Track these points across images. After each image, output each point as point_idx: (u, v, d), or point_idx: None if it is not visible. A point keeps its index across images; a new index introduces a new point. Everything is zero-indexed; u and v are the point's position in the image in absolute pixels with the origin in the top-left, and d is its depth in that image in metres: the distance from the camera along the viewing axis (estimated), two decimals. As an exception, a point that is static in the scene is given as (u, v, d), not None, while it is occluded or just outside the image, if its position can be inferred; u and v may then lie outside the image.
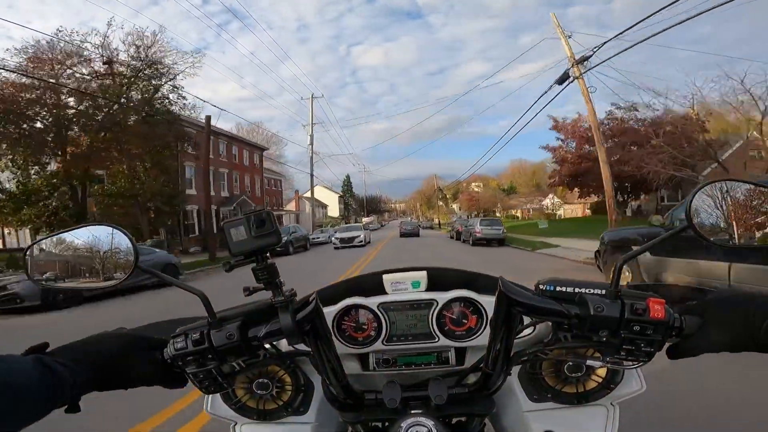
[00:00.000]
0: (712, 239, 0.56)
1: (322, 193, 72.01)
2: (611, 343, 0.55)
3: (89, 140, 18.36)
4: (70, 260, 0.59)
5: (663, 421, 2.50)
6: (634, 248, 5.32)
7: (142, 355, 0.59)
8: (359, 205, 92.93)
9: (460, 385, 0.73)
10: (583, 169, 29.34)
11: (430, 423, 0.63)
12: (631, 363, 0.56)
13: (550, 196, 59.43)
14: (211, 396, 0.82)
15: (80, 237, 0.59)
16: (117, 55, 19.54)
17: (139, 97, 19.93)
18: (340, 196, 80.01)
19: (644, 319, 0.52)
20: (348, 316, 0.89)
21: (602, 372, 0.75)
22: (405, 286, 0.92)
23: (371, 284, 0.94)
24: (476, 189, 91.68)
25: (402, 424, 0.63)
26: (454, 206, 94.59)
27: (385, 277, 0.93)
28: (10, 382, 0.45)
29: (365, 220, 70.31)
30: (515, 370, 0.78)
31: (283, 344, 0.70)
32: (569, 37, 13.61)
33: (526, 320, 0.65)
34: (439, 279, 0.93)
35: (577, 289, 0.56)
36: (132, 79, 19.70)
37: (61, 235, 0.60)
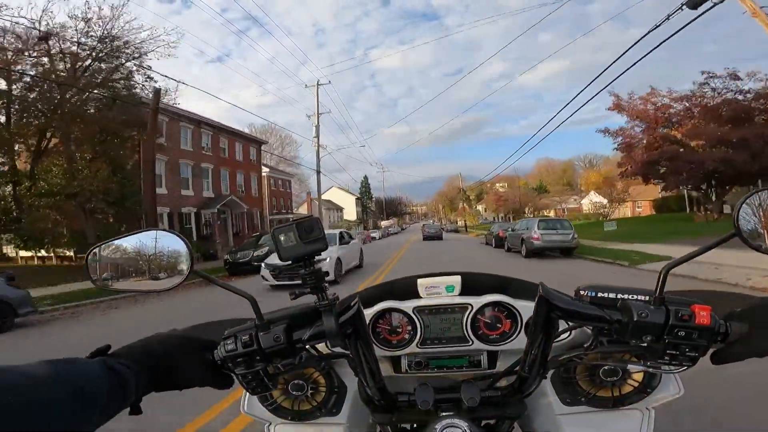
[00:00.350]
0: (757, 246, 0.56)
1: (337, 195, 69.56)
2: (654, 348, 0.55)
3: (15, 128, 15.40)
4: (130, 263, 0.63)
5: (697, 426, 2.43)
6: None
7: (195, 356, 0.60)
8: (378, 207, 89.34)
9: (493, 388, 0.75)
10: (667, 153, 23.06)
11: (464, 424, 0.63)
12: (674, 367, 0.56)
13: (592, 193, 52.13)
14: (247, 396, 0.85)
15: (140, 241, 0.63)
16: (60, 31, 16.00)
17: (97, 78, 16.80)
18: (358, 198, 76.29)
19: (690, 324, 0.53)
20: (383, 319, 0.91)
21: (639, 376, 0.76)
22: (439, 291, 0.93)
23: (406, 288, 0.95)
24: (501, 189, 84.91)
25: (436, 426, 0.64)
26: (479, 207, 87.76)
27: (419, 281, 0.94)
28: (82, 385, 0.46)
29: (384, 223, 69.78)
30: (549, 374, 0.77)
31: (322, 346, 0.72)
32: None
33: (563, 326, 0.66)
34: (473, 283, 0.94)
35: (619, 295, 0.56)
36: (79, 57, 16.50)
37: (122, 239, 0.63)
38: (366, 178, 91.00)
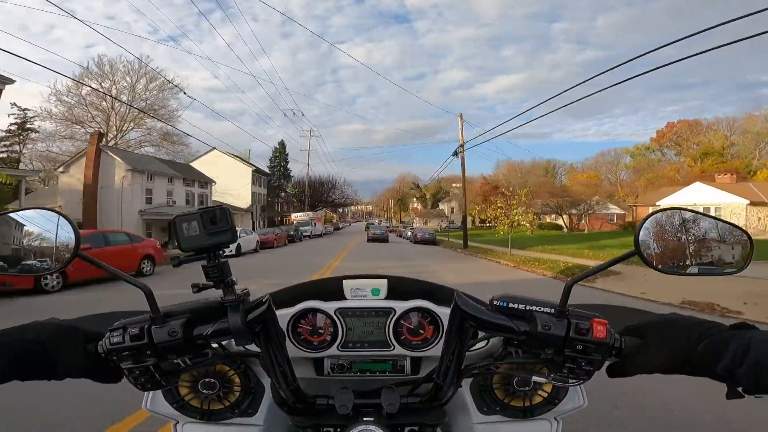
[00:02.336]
0: (657, 266, 0.60)
1: (220, 164, 41.39)
2: (555, 360, 0.59)
3: None
4: (9, 242, 0.59)
5: None
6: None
7: (73, 346, 0.58)
8: (300, 190, 61.91)
9: (413, 394, 0.77)
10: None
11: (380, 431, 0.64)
12: (573, 380, 0.59)
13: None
14: (150, 393, 0.81)
15: (23, 219, 0.59)
16: None
17: None
18: (257, 172, 46.76)
19: (587, 338, 0.56)
20: (304, 319, 0.91)
21: (548, 387, 0.80)
22: (365, 293, 0.94)
23: (331, 289, 0.95)
24: (457, 190, 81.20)
25: (352, 431, 0.64)
26: (443, 207, 79.70)
27: (345, 282, 0.95)
28: None
29: (300, 217, 45.54)
30: (467, 382, 0.82)
31: (233, 344, 0.70)
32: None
33: (481, 334, 0.68)
34: (399, 288, 0.96)
35: (528, 307, 0.59)
36: None
37: (4, 215, 0.59)
38: (283, 143, 62.83)
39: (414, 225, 54.51)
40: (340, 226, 75.65)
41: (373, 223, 51.86)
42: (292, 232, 32.85)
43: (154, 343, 0.56)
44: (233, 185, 40.71)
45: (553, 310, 0.58)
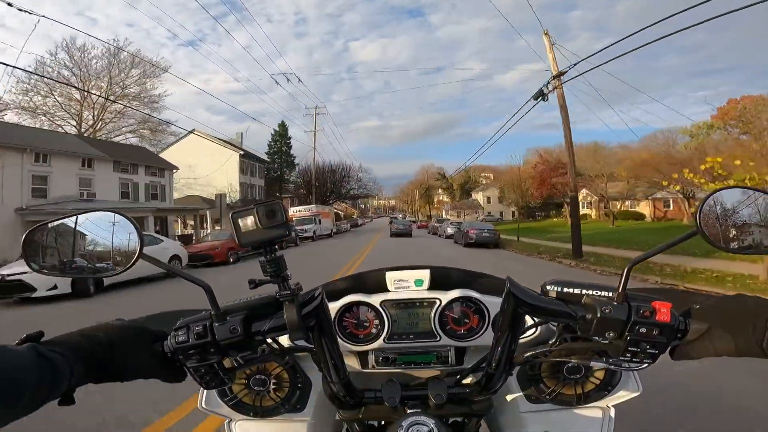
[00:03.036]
0: (720, 245, 0.59)
1: (198, 151, 34.33)
2: (616, 345, 0.58)
3: None
4: (72, 247, 0.61)
5: (658, 423, 2.62)
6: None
7: (141, 346, 0.59)
8: (306, 180, 50.18)
9: (460, 384, 0.76)
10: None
11: (431, 422, 0.65)
12: (635, 365, 0.59)
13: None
14: (205, 391, 0.84)
15: (83, 223, 0.61)
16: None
17: None
18: (245, 156, 38.59)
19: (650, 321, 0.55)
20: (349, 312, 0.92)
21: (600, 374, 0.80)
22: (408, 284, 0.95)
23: (374, 281, 0.97)
24: (486, 181, 69.31)
25: (403, 423, 0.65)
26: (479, 197, 66.72)
27: (388, 274, 0.96)
28: (8, 372, 0.45)
29: (299, 212, 33.54)
30: (515, 371, 0.81)
31: (285, 339, 0.71)
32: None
33: (529, 322, 0.69)
34: (442, 278, 0.96)
35: (585, 291, 0.58)
36: None
37: (63, 220, 0.61)
38: (283, 124, 51.43)
39: (447, 219, 41.73)
40: (360, 222, 68.70)
41: (397, 218, 49.92)
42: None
43: (216, 340, 0.57)
44: (218, 174, 33.26)
45: (611, 294, 0.57)
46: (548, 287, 0.60)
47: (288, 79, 41.72)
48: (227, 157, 35.42)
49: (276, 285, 0.59)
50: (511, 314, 0.61)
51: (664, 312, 0.55)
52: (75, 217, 0.60)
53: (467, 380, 0.78)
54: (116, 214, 0.60)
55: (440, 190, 77.51)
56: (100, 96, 31.37)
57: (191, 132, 34.92)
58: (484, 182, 71.87)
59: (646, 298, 0.57)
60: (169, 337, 0.59)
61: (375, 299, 0.91)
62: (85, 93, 30.97)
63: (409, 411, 0.71)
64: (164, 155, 32.49)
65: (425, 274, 0.95)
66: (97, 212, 0.61)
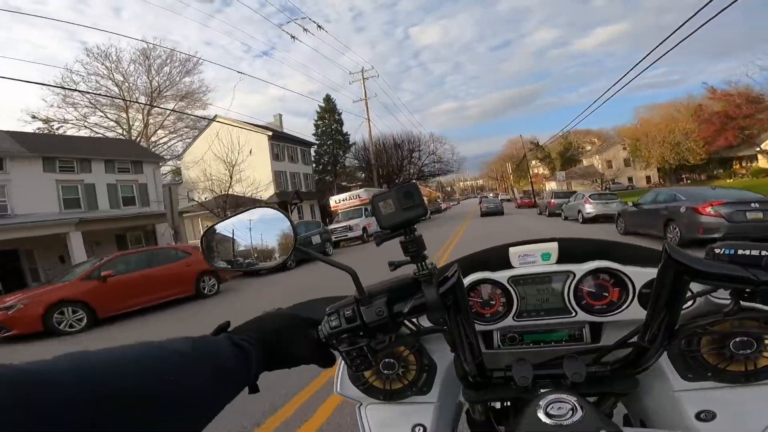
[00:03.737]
0: None
1: (223, 140, 21.71)
2: None
3: None
4: (239, 242, 0.68)
5: None
6: None
7: (301, 334, 0.63)
8: (365, 161, 42.27)
9: (599, 363, 0.73)
10: None
11: (572, 399, 0.61)
12: None
13: None
14: (340, 376, 0.89)
15: (247, 220, 0.68)
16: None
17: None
18: (275, 138, 31.07)
19: None
20: (474, 291, 0.91)
21: None
22: (534, 259, 0.90)
23: (497, 258, 0.93)
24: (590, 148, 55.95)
25: (540, 402, 0.61)
26: (595, 162, 52.56)
27: (511, 250, 0.92)
28: (220, 360, 0.49)
29: (342, 202, 25.73)
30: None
31: (420, 321, 0.73)
32: None
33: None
34: (571, 250, 0.90)
35: (763, 252, 0.52)
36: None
37: (230, 219, 0.69)
38: (329, 100, 42.39)
39: (574, 192, 23.35)
40: (444, 206, 58.63)
41: (487, 197, 45.81)
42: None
43: (365, 323, 0.59)
44: (250, 165, 24.52)
45: None
46: (717, 250, 0.55)
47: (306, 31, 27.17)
48: (256, 141, 27.48)
49: (414, 266, 0.60)
50: (671, 282, 0.56)
51: None
52: (240, 214, 0.68)
53: (606, 358, 0.74)
54: (275, 210, 0.67)
55: (535, 162, 65.62)
56: (145, 104, 30.95)
57: (213, 119, 27.58)
58: (589, 148, 58.36)
59: None
60: (322, 323, 0.62)
61: (502, 275, 0.89)
62: (132, 102, 30.56)
63: (542, 390, 0.67)
64: (189, 153, 28.75)
65: (553, 247, 0.90)
66: (258, 209, 0.67)
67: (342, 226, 19.69)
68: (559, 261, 0.89)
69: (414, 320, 0.70)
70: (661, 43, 10.93)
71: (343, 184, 39.84)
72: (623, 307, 0.83)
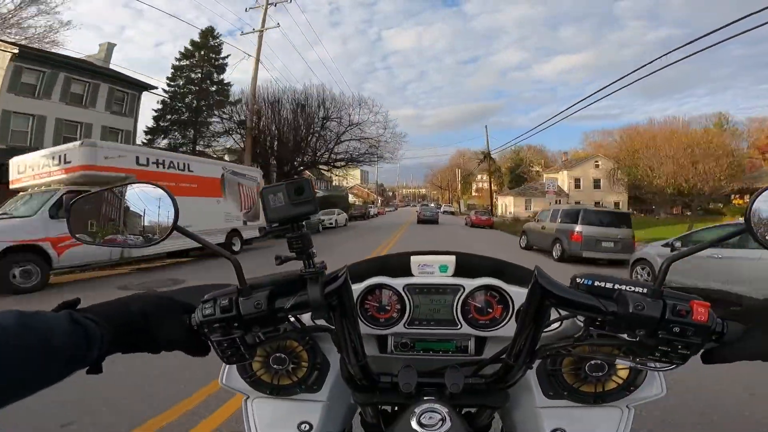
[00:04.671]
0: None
1: None
2: (646, 343, 0.58)
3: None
4: (111, 217, 0.64)
5: (675, 426, 2.53)
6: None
7: (171, 318, 0.61)
8: (239, 123, 27.35)
9: (477, 375, 0.77)
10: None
11: (444, 410, 0.66)
12: (663, 365, 0.58)
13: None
14: (227, 368, 0.88)
15: (123, 194, 0.64)
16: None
17: None
18: (21, 55, 16.88)
19: (686, 321, 0.54)
20: (372, 295, 0.93)
21: (624, 373, 0.79)
22: (432, 270, 0.95)
23: (398, 265, 0.96)
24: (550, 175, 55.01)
25: (416, 410, 0.66)
26: (560, 178, 44.26)
27: (413, 258, 0.96)
28: (49, 336, 0.47)
29: (23, 172, 9.45)
30: (534, 364, 0.81)
31: (306, 319, 0.73)
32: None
33: (554, 315, 0.69)
34: (467, 265, 0.95)
35: (617, 286, 0.58)
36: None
37: (103, 191, 0.64)
38: (210, 33, 28.03)
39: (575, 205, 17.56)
40: (374, 212, 49.75)
41: (427, 205, 47.27)
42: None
43: (241, 315, 0.59)
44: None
45: (646, 290, 0.56)
46: (579, 280, 0.59)
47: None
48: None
49: (301, 262, 0.60)
50: (536, 305, 0.60)
51: (701, 312, 0.54)
52: (116, 187, 0.63)
53: (485, 371, 0.78)
54: (156, 187, 0.62)
55: (480, 176, 64.48)
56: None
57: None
58: (539, 169, 57.53)
59: (684, 297, 0.55)
60: (196, 310, 0.61)
61: (398, 283, 0.92)
62: None
63: (424, 398, 0.71)
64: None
65: (451, 260, 0.94)
66: (136, 184, 0.63)
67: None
68: (455, 274, 0.93)
69: (300, 318, 0.70)
70: (610, 84, 7.63)
71: (205, 151, 27.39)
72: (503, 323, 0.89)
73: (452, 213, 58.11)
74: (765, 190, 0.56)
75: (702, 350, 0.58)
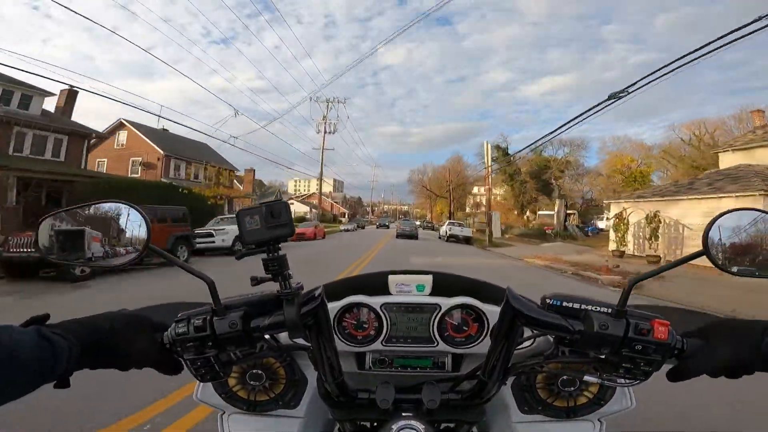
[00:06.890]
0: (726, 268, 0.62)
1: None
2: (611, 360, 0.61)
3: None
4: (83, 235, 0.65)
5: None
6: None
7: (141, 336, 0.62)
8: None
9: (454, 391, 0.79)
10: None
11: (421, 427, 0.68)
12: (628, 381, 0.62)
13: None
14: (201, 383, 0.88)
15: (95, 213, 0.65)
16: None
17: None
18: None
19: (647, 339, 0.58)
20: (350, 313, 0.95)
21: (594, 388, 0.82)
22: (410, 289, 0.97)
23: (376, 284, 0.99)
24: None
25: (393, 426, 0.69)
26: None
27: (390, 277, 0.99)
28: (13, 351, 0.48)
29: None
30: (509, 380, 0.84)
31: (283, 337, 0.75)
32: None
33: (527, 333, 0.72)
34: (444, 284, 0.99)
35: (583, 306, 0.61)
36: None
37: (76, 209, 0.66)
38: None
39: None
40: (308, 233, 30.71)
41: (407, 220, 48.00)
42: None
43: (215, 334, 0.60)
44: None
45: (610, 310, 0.59)
46: (548, 300, 0.62)
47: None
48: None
49: (277, 283, 0.62)
50: (508, 324, 0.64)
51: (661, 330, 0.57)
52: (87, 206, 0.64)
53: (462, 387, 0.79)
54: (128, 206, 0.64)
55: (471, 195, 60.61)
56: None
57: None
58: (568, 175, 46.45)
59: (645, 316, 0.59)
60: (169, 329, 0.62)
61: (376, 301, 0.94)
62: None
63: (403, 414, 0.73)
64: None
65: (428, 280, 0.97)
66: (108, 203, 0.65)
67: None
68: (432, 293, 0.96)
69: (277, 336, 0.72)
70: (591, 108, 13.43)
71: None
72: (478, 341, 0.92)
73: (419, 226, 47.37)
74: (720, 216, 0.60)
75: (663, 366, 0.61)
